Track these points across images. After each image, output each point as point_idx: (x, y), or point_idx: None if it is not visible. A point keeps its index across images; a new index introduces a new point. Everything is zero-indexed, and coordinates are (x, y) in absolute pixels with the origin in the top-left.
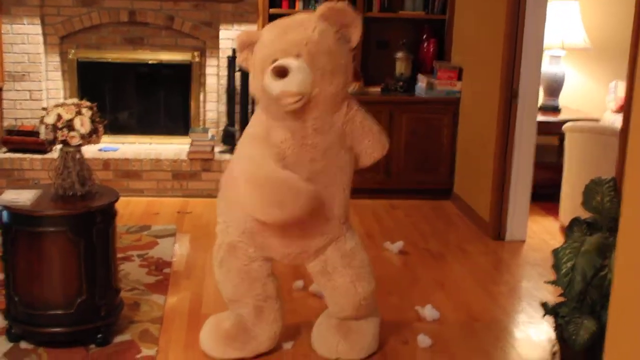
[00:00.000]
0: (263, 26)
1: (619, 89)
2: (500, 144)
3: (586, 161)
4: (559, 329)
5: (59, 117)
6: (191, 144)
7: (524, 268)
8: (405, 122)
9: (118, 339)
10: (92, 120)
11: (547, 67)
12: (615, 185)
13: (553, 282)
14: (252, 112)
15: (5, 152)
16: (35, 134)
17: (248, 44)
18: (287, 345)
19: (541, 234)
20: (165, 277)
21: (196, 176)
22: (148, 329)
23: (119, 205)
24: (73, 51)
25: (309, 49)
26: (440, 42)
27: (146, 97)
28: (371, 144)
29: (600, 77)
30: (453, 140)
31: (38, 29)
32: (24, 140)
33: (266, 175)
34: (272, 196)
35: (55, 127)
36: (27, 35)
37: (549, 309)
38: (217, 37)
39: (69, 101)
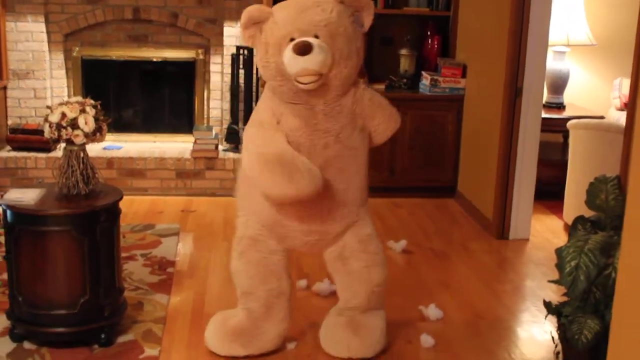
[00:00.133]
0: None
1: (624, 86)
2: (505, 141)
3: (591, 159)
4: (562, 328)
5: (63, 115)
6: (195, 142)
7: (527, 267)
8: (409, 120)
9: (121, 339)
10: (96, 119)
11: (552, 64)
12: (620, 183)
13: (556, 281)
14: None
15: (9, 151)
16: (39, 132)
17: (258, 21)
18: (291, 346)
19: (545, 233)
20: (169, 277)
21: (200, 175)
22: (151, 329)
23: (123, 204)
24: (77, 49)
25: (329, 29)
26: (444, 38)
27: (150, 95)
28: (383, 120)
29: (605, 74)
30: (457, 138)
31: (42, 26)
32: (28, 138)
33: (276, 152)
34: (284, 171)
35: (59, 126)
36: (32, 33)
37: (552, 309)
38: (221, 34)
39: (73, 99)
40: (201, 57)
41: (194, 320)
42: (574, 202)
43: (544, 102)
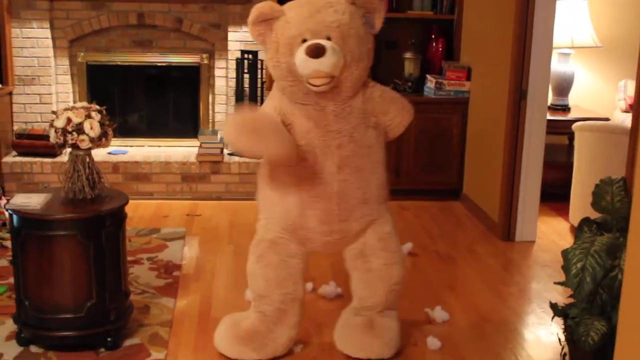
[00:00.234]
0: None
1: (629, 87)
2: (510, 143)
3: (596, 160)
4: (568, 330)
5: (69, 120)
6: (200, 147)
7: (533, 269)
8: (414, 123)
9: (127, 342)
10: (102, 124)
11: (557, 66)
12: (625, 185)
13: (563, 283)
14: None
15: (15, 156)
16: (45, 137)
17: (268, 18)
18: (297, 348)
19: (551, 235)
20: (175, 280)
21: (205, 178)
22: (157, 333)
23: (129, 208)
24: (82, 54)
25: (341, 31)
26: (449, 41)
27: (155, 100)
28: (397, 114)
29: (610, 75)
30: (462, 141)
31: (47, 32)
32: (34, 143)
33: (252, 116)
34: (257, 133)
35: (65, 131)
36: (37, 39)
37: (558, 311)
38: (225, 39)
39: (79, 104)
40: (206, 61)
41: (201, 324)
42: (580, 204)
43: (549, 104)
